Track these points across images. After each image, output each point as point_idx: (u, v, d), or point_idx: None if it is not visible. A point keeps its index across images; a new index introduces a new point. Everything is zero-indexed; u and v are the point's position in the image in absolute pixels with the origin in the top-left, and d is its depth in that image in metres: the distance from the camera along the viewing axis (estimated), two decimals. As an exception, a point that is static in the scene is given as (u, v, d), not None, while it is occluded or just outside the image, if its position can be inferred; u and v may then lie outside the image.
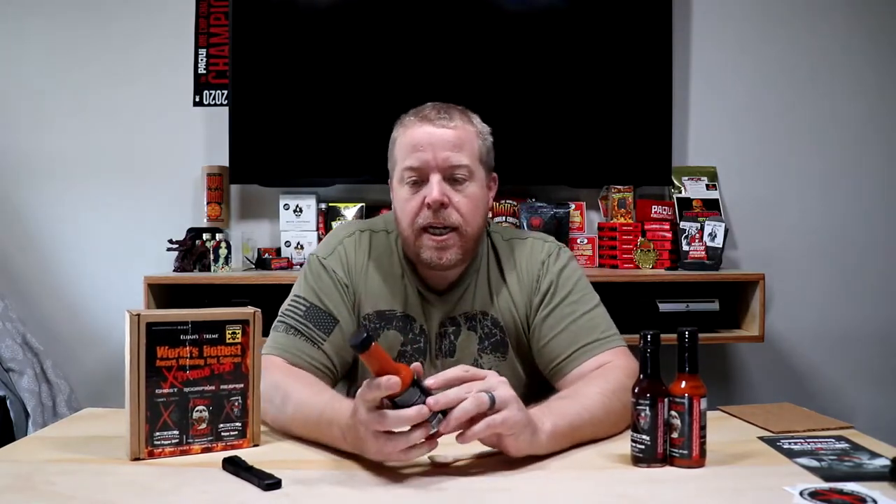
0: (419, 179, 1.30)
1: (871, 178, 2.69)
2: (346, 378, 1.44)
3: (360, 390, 1.00)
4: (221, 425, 1.11)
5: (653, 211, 2.54)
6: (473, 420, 0.99)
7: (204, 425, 1.10)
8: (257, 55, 2.48)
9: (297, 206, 2.50)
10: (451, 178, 1.29)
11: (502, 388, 1.02)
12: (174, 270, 2.39)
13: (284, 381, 1.22)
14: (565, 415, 1.11)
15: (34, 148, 2.63)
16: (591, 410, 1.14)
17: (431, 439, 0.99)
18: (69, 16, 2.62)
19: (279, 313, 1.36)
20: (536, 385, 1.40)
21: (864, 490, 0.93)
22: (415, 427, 0.97)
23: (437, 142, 1.29)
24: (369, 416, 0.97)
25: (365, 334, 0.95)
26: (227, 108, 2.52)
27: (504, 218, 2.49)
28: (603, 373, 1.26)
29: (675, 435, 1.02)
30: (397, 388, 0.95)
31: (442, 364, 1.36)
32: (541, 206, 2.48)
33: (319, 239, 2.48)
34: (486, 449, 1.10)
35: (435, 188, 1.27)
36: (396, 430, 0.98)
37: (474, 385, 1.01)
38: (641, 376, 1.03)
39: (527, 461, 1.07)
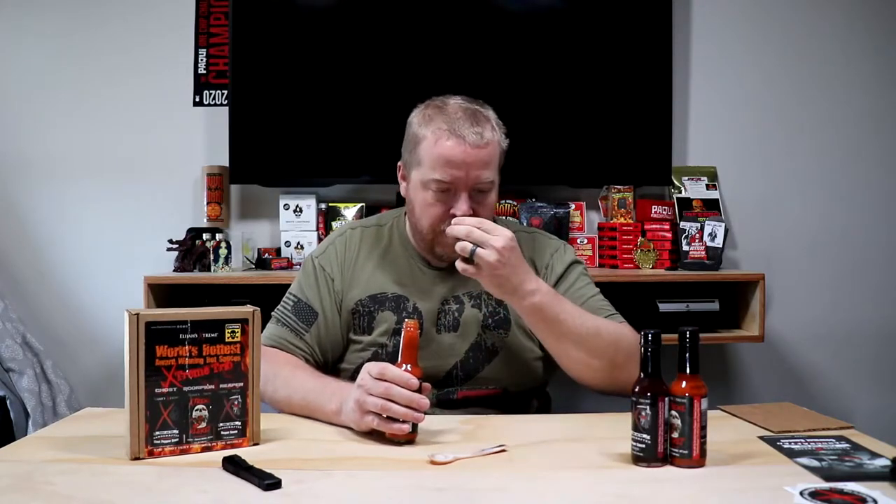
0: (445, 189, 1.37)
1: (871, 178, 2.69)
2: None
3: (371, 364, 1.16)
4: (221, 424, 1.11)
5: (653, 211, 2.54)
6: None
7: (203, 424, 1.10)
8: (257, 55, 2.48)
9: (297, 206, 2.50)
10: (477, 189, 1.38)
11: (491, 245, 1.25)
12: (174, 270, 2.38)
13: (283, 366, 1.37)
14: (559, 302, 1.32)
15: (34, 148, 2.63)
16: (584, 319, 1.33)
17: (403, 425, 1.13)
18: (69, 15, 2.62)
19: (274, 310, 1.49)
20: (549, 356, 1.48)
21: (864, 490, 0.93)
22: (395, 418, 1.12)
23: (471, 162, 1.35)
24: (373, 367, 1.15)
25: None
26: (227, 108, 2.52)
27: (504, 218, 2.48)
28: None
29: (675, 434, 1.02)
30: (412, 384, 1.12)
31: (444, 337, 1.44)
32: (541, 206, 2.48)
33: (319, 239, 2.48)
34: (485, 449, 1.10)
35: (465, 206, 1.36)
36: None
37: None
38: (642, 375, 1.03)
39: (526, 461, 1.07)
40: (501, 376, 1.43)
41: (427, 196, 1.39)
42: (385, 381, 1.12)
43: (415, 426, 1.13)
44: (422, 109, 1.43)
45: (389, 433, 1.13)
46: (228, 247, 2.36)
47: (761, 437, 1.18)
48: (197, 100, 2.62)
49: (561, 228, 2.44)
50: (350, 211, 2.51)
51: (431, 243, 1.42)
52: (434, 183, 1.37)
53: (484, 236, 1.25)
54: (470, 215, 1.37)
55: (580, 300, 1.45)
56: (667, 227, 2.48)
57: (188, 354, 1.08)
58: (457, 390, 1.42)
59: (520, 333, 1.45)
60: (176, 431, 1.08)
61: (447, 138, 1.35)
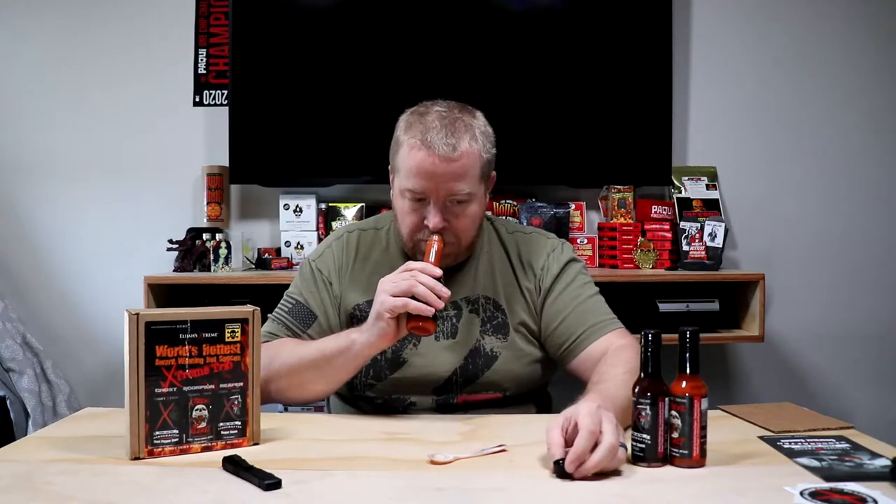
0: (420, 198, 1.35)
1: (871, 178, 2.69)
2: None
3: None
4: (221, 424, 1.11)
5: (653, 211, 2.54)
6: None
7: (204, 424, 1.10)
8: (257, 55, 2.48)
9: (297, 206, 2.50)
10: (454, 201, 1.34)
11: (621, 445, 1.01)
12: (174, 270, 2.39)
13: (284, 343, 1.38)
14: (611, 403, 1.11)
15: (34, 148, 2.63)
16: (625, 386, 1.14)
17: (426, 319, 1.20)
18: (69, 15, 2.62)
19: (272, 311, 1.47)
20: (548, 359, 1.47)
21: (864, 490, 0.93)
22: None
23: (440, 173, 1.31)
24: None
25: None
26: (227, 108, 2.52)
27: (504, 218, 2.48)
28: (618, 353, 1.32)
29: (675, 435, 1.02)
30: (436, 272, 1.23)
31: (442, 343, 1.41)
32: (541, 206, 2.48)
33: (319, 239, 2.48)
34: (485, 449, 1.10)
35: (436, 218, 1.33)
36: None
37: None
38: (642, 375, 1.03)
39: (526, 461, 1.07)
40: (501, 381, 1.41)
41: (404, 205, 1.37)
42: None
43: (435, 317, 1.21)
44: (407, 115, 1.39)
45: (415, 311, 1.20)
46: (228, 247, 2.37)
47: (761, 437, 1.18)
48: (197, 100, 2.62)
49: (561, 228, 2.44)
50: (350, 211, 2.51)
51: (413, 250, 1.41)
52: (408, 192, 1.35)
53: (613, 443, 0.99)
54: (442, 228, 1.33)
55: (576, 301, 1.42)
56: (667, 227, 2.48)
57: (188, 354, 1.08)
58: (457, 395, 1.41)
59: (518, 337, 1.43)
60: (176, 431, 1.08)
61: (419, 149, 1.31)
